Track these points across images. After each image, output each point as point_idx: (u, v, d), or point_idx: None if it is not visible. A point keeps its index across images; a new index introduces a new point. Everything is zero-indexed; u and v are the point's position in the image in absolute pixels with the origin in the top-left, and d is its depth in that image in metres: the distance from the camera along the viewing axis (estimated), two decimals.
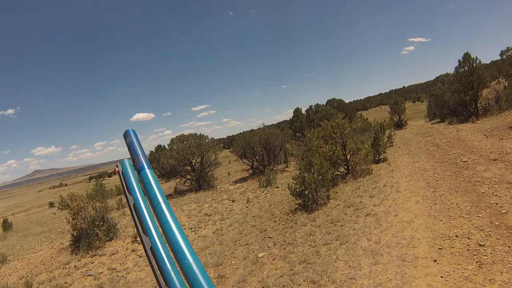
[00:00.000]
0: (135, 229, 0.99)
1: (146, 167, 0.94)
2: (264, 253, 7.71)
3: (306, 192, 10.30)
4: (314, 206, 10.23)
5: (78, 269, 8.87)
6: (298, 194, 10.51)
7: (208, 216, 12.47)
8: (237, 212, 12.15)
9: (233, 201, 14.35)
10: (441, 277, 5.10)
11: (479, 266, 5.12)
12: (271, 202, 12.51)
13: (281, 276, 6.32)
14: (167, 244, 0.79)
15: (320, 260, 6.63)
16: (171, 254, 0.78)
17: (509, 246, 5.43)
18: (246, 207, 12.73)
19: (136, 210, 0.87)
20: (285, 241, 8.11)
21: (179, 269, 0.76)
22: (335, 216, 9.07)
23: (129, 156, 0.98)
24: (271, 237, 8.68)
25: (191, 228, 11.21)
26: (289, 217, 10.03)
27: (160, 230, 0.82)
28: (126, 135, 1.00)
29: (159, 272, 0.76)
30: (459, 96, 25.78)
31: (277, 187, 15.22)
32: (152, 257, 0.78)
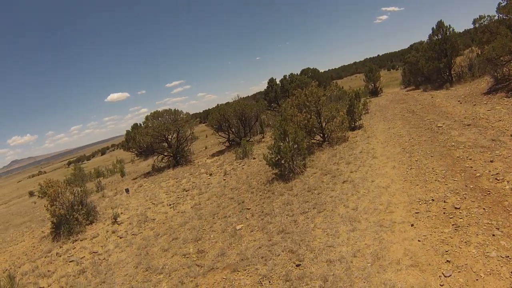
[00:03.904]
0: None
1: None
2: (242, 225, 7.71)
3: (282, 162, 10.27)
4: (291, 175, 10.23)
5: (60, 256, 8.68)
6: (274, 164, 10.48)
7: (186, 191, 12.36)
8: (215, 186, 12.08)
9: (210, 174, 14.26)
10: (418, 241, 5.21)
11: (455, 229, 5.25)
12: (248, 174, 12.48)
13: (259, 248, 6.33)
14: None
15: (298, 229, 6.66)
16: None
17: (484, 209, 5.57)
18: (224, 179, 12.66)
19: None
20: (263, 212, 8.11)
21: None
22: (312, 184, 9.10)
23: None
24: (249, 209, 8.67)
25: (170, 205, 11.10)
26: (266, 187, 10.02)
27: None
28: None
29: None
30: (433, 64, 26.08)
31: (254, 158, 15.19)
32: None
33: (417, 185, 7.31)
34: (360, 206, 6.97)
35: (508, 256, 4.41)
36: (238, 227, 7.64)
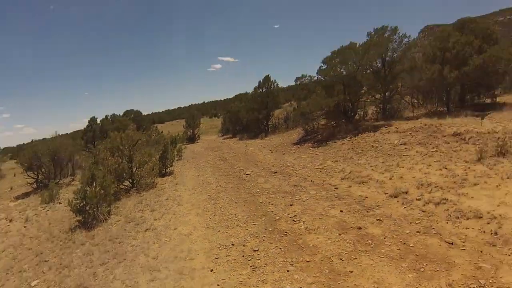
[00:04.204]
0: None
1: None
2: (38, 280, 6.74)
3: (87, 208, 9.46)
4: (94, 222, 9.45)
5: None
6: (78, 210, 9.59)
7: None
8: (14, 234, 10.37)
9: (10, 220, 12.25)
10: (218, 285, 5.24)
11: (253, 270, 5.47)
12: (52, 220, 11.11)
13: None
14: None
15: (97, 282, 6.13)
16: None
17: (280, 248, 6.00)
18: (25, 227, 10.99)
19: None
20: (61, 264, 7.22)
21: None
22: (115, 233, 8.53)
23: None
24: (47, 261, 7.61)
25: None
26: (68, 236, 9.01)
27: None
28: None
29: None
30: (253, 114, 28.20)
31: (60, 203, 13.70)
32: None
33: (219, 231, 7.47)
34: (161, 255, 6.76)
35: (301, 287, 4.81)
36: (33, 283, 6.67)
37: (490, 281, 4.34)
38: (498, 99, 18.93)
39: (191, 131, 38.47)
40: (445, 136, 11.59)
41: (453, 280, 4.45)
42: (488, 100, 18.89)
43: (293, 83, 23.34)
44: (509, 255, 4.84)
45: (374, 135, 14.17)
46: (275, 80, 28.44)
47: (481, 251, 5.05)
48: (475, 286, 4.29)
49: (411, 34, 22.19)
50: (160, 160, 15.78)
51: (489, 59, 15.90)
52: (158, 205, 10.54)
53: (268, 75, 28.53)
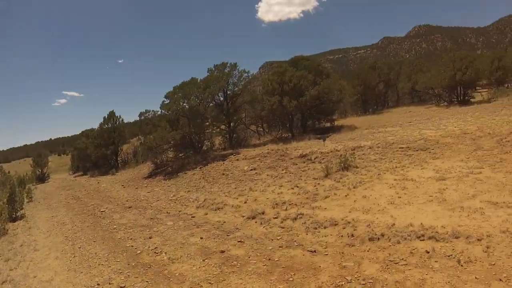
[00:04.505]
0: None
1: None
2: None
3: None
4: None
5: None
6: None
7: None
8: None
9: None
10: None
11: None
12: None
13: None
14: None
15: None
16: None
17: (147, 281, 5.97)
18: None
19: None
20: None
21: None
22: None
23: None
24: None
25: None
26: None
27: None
28: None
29: None
30: (101, 150, 27.27)
31: None
32: None
33: (82, 272, 7.14)
34: None
35: None
36: None
37: (355, 276, 4.99)
38: (336, 123, 22.24)
39: (40, 170, 35.39)
40: (292, 158, 13.03)
41: (322, 282, 4.99)
42: (328, 124, 21.97)
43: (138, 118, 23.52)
44: (368, 251, 5.66)
45: (224, 163, 15.09)
46: (120, 116, 28.37)
47: (342, 253, 5.77)
48: (343, 282, 4.87)
49: (250, 69, 24.47)
50: (8, 203, 14.15)
51: (323, 90, 18.64)
52: (13, 253, 9.50)
53: (113, 110, 28.42)
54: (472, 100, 25.48)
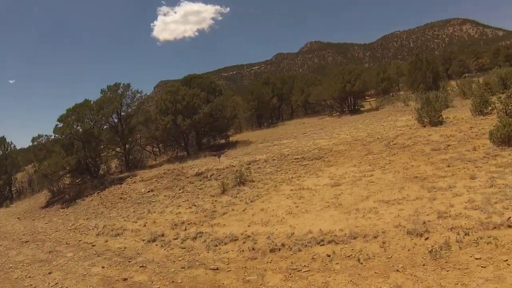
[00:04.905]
0: None
1: None
2: None
3: None
4: None
5: None
6: None
7: None
8: None
9: None
10: None
11: None
12: None
13: None
14: None
15: None
16: None
17: None
18: None
19: None
20: None
21: None
22: None
23: None
24: None
25: None
26: None
27: None
28: None
29: None
30: None
31: None
32: None
33: None
34: None
35: None
36: None
37: None
38: (231, 138, 22.85)
39: None
40: (188, 177, 13.33)
41: None
42: (223, 141, 22.49)
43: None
44: (270, 262, 6.13)
45: (121, 186, 14.97)
46: (11, 142, 26.36)
47: (245, 267, 6.16)
48: None
49: (145, 89, 24.59)
50: None
51: (216, 107, 19.18)
52: None
53: (3, 136, 26.24)
54: (362, 109, 28.14)
